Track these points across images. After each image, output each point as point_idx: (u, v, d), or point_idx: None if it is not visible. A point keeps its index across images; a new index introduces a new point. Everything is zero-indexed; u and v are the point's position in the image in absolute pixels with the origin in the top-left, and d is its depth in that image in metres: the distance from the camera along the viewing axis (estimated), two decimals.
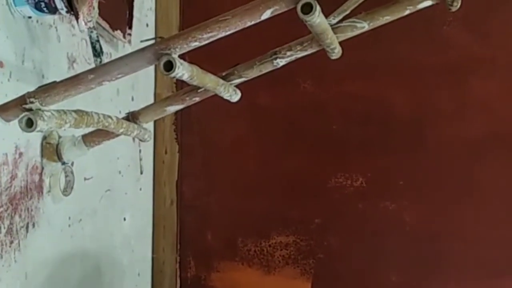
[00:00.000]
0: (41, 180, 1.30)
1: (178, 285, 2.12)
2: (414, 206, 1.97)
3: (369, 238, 2.00)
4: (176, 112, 2.05)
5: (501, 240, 1.91)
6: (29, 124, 0.97)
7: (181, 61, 0.99)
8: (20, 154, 1.22)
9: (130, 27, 1.76)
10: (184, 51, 1.00)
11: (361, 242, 2.00)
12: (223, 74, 1.27)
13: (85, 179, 1.53)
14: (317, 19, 0.98)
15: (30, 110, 1.01)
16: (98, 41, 1.42)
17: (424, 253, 1.96)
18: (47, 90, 1.03)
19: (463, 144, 1.94)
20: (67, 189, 1.41)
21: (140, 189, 2.00)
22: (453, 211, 1.94)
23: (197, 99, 1.29)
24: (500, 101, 1.92)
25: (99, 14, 1.24)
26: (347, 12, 1.21)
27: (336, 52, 1.24)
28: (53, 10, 1.17)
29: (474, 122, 1.94)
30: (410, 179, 1.97)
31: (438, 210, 1.95)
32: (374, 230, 2.00)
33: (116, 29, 1.66)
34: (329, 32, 1.14)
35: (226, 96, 1.28)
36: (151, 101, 2.02)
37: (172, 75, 0.98)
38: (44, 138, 1.32)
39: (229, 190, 2.10)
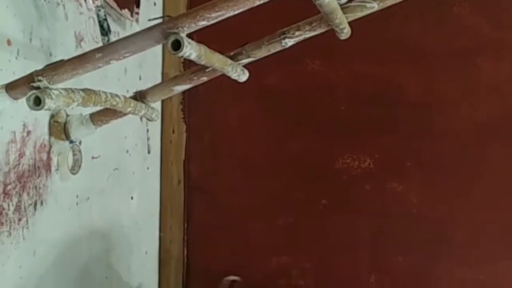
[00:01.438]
0: (49, 158, 1.31)
1: (185, 264, 2.13)
2: (421, 187, 1.97)
3: (376, 219, 2.00)
4: (184, 92, 2.04)
5: (508, 223, 1.91)
6: (37, 102, 0.97)
7: (189, 40, 0.98)
8: (28, 132, 1.22)
9: (138, 6, 1.75)
10: (192, 30, 0.99)
11: (368, 223, 2.01)
12: (231, 53, 1.26)
13: (92, 158, 1.54)
14: None
15: (38, 88, 1.00)
16: (105, 19, 1.41)
17: (430, 235, 1.96)
18: (55, 68, 1.03)
19: (472, 126, 1.93)
20: (75, 168, 1.42)
21: (148, 169, 2.01)
22: (460, 194, 1.94)
23: (205, 78, 1.28)
24: (509, 84, 1.91)
25: None
26: None
27: (345, 33, 1.23)
28: None
29: (483, 104, 1.93)
30: (417, 161, 1.97)
31: (445, 192, 1.95)
32: (381, 211, 2.00)
33: (124, 8, 1.65)
34: (338, 12, 1.13)
35: (234, 76, 1.28)
36: (159, 80, 2.02)
37: (180, 54, 0.97)
38: (52, 116, 1.32)
39: (236, 170, 2.10)
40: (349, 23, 1.22)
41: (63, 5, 1.35)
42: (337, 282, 2.03)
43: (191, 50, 0.99)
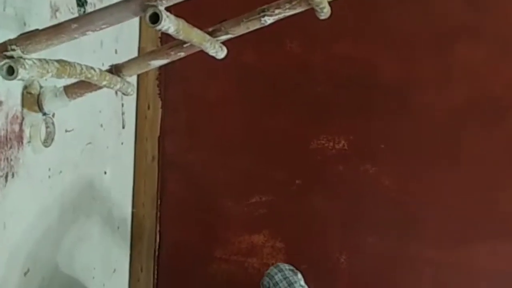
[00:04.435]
0: (21, 130, 1.29)
1: (157, 240, 2.13)
2: (394, 170, 1.98)
3: (348, 200, 2.02)
4: (160, 67, 2.03)
5: (479, 208, 1.94)
6: (10, 72, 0.95)
7: (168, 13, 0.97)
8: (0, 103, 1.20)
9: None
10: (170, 3, 0.98)
11: (340, 204, 2.02)
12: (210, 29, 1.25)
13: (66, 131, 1.52)
14: None
15: (11, 57, 0.99)
16: None
17: (401, 217, 1.98)
18: (29, 37, 1.01)
19: (446, 110, 1.95)
20: (48, 140, 1.40)
21: (122, 144, 1.99)
22: (432, 177, 1.96)
23: (182, 54, 1.27)
24: (485, 68, 1.92)
25: None
26: None
27: (325, 12, 1.23)
28: None
29: (458, 88, 1.94)
30: (391, 144, 1.98)
31: (417, 175, 1.97)
32: (353, 193, 2.01)
33: None
34: None
35: (212, 52, 1.27)
36: (135, 54, 1.99)
37: (158, 27, 0.96)
38: (25, 87, 1.30)
39: (211, 148, 2.09)
40: (329, 3, 1.22)
41: None
42: (308, 261, 2.04)
43: (169, 24, 0.98)
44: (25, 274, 1.38)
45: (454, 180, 1.95)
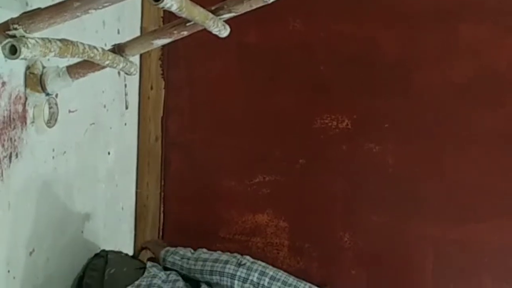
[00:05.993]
0: (24, 110, 1.29)
1: (161, 220, 2.14)
2: (397, 149, 1.98)
3: (352, 179, 2.02)
4: (163, 47, 2.02)
5: (481, 186, 1.94)
6: (13, 51, 0.94)
7: None
8: (3, 83, 1.20)
9: None
10: None
11: (344, 182, 2.02)
12: (213, 8, 1.24)
13: (69, 111, 1.51)
14: None
15: (13, 37, 0.98)
16: None
17: (405, 195, 1.98)
18: (31, 16, 1.01)
19: (450, 88, 1.94)
20: (51, 121, 1.40)
21: (125, 124, 1.99)
22: (436, 155, 1.96)
23: (185, 33, 1.26)
24: (489, 45, 1.91)
25: None
26: None
27: None
28: None
29: (461, 66, 1.93)
30: (395, 122, 1.98)
31: (421, 153, 1.97)
32: (357, 172, 2.01)
33: None
34: None
35: (215, 31, 1.26)
36: (137, 34, 1.98)
37: (161, 5, 0.95)
38: (28, 68, 1.30)
39: (214, 128, 2.09)
40: None
41: None
42: (312, 240, 2.05)
43: (172, 2, 0.97)
44: (30, 254, 1.38)
45: (457, 158, 1.95)
